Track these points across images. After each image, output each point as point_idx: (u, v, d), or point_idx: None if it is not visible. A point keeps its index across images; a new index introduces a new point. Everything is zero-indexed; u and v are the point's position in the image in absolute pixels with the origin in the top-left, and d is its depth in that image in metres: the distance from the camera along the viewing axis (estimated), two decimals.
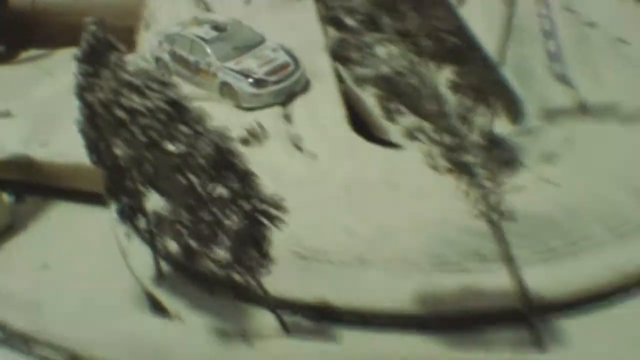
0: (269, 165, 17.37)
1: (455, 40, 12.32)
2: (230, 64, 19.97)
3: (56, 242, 18.98)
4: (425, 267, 15.02)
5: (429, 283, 14.78)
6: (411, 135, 12.56)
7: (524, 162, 16.33)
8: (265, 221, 13.32)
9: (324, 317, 14.72)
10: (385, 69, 11.85)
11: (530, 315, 14.02)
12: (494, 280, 14.35)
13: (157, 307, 15.84)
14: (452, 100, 12.45)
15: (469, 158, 12.30)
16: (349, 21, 12.29)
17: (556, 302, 14.56)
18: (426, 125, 12.31)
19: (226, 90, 19.86)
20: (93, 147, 14.14)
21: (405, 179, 16.38)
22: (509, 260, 13.54)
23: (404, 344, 14.19)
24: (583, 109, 17.76)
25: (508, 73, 18.49)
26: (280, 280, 14.75)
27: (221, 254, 13.29)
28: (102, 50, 12.41)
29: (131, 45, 21.06)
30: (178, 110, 12.28)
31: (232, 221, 13.10)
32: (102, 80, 11.98)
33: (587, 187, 16.22)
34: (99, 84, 12.04)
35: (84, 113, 13.53)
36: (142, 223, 15.19)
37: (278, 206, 13.37)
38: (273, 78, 19.82)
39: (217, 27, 20.84)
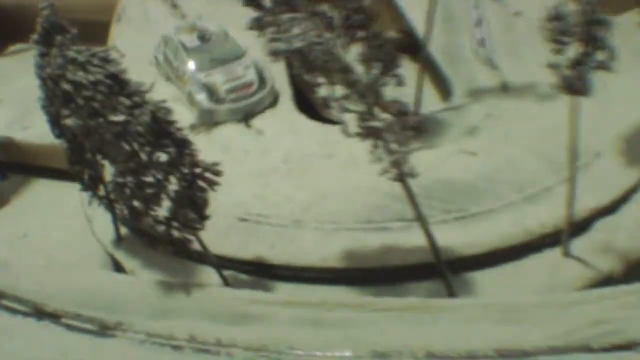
0: (220, 140, 19.29)
1: (362, 17, 14.02)
2: (201, 75, 20.53)
3: (35, 215, 21.03)
4: (352, 228, 16.78)
5: (355, 241, 16.55)
6: (326, 104, 14.34)
7: (444, 133, 18.18)
8: (202, 184, 15.09)
9: (261, 273, 16.52)
10: (297, 44, 13.58)
11: (442, 269, 15.71)
12: (413, 238, 16.10)
13: (118, 267, 17.66)
14: (361, 71, 14.17)
15: (377, 124, 14.04)
16: (267, 2, 14.05)
17: (469, 257, 16.30)
18: (339, 95, 14.07)
19: (191, 99, 20.50)
20: (53, 121, 15.98)
21: (340, 150, 18.11)
22: (420, 219, 15.24)
23: (330, 294, 15.94)
24: (505, 88, 19.49)
25: (439, 58, 20.39)
26: (224, 241, 16.67)
27: (162, 213, 15.08)
28: (53, 32, 14.21)
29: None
30: (118, 84, 14.06)
31: (172, 184, 14.92)
32: (51, 57, 13.77)
33: (503, 156, 17.99)
34: (48, 61, 13.84)
35: (42, 90, 15.37)
36: (101, 190, 17.03)
37: (214, 171, 15.13)
38: (231, 96, 20.29)
39: (202, 37, 21.36)
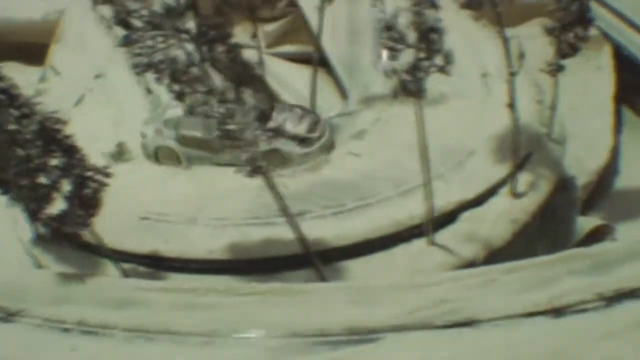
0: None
1: (219, 32, 15.73)
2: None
3: None
4: (239, 223, 18.46)
5: (240, 236, 18.24)
6: (192, 110, 16.07)
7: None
8: (92, 185, 16.91)
9: (157, 265, 18.27)
10: (158, 56, 15.37)
11: (312, 258, 17.31)
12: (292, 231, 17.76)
13: (37, 263, 19.53)
14: (220, 78, 15.88)
15: (233, 127, 15.74)
16: (136, 22, 15.82)
17: (342, 248, 17.92)
18: (201, 101, 15.80)
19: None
20: None
21: None
22: (285, 213, 16.88)
23: (215, 282, 17.63)
24: (395, 95, 21.03)
25: (341, 69, 22.13)
26: (126, 237, 18.49)
27: (55, 212, 16.90)
28: None
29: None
30: (8, 98, 15.95)
31: (64, 185, 16.74)
32: None
33: (384, 156, 19.61)
34: None
35: None
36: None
37: (104, 173, 16.95)
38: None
39: None
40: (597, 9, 23.58)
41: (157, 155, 20.69)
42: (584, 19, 18.93)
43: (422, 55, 15.65)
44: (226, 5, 19.18)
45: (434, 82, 21.01)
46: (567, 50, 18.97)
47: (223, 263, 17.93)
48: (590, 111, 22.14)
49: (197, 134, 20.08)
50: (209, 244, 18.14)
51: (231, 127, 15.70)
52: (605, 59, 22.89)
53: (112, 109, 21.80)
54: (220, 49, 15.94)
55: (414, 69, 15.68)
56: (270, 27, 24.26)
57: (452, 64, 15.99)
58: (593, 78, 22.77)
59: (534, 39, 21.24)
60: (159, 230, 18.62)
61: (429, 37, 15.61)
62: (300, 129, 20.17)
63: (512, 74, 18.06)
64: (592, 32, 23.12)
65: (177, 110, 19.45)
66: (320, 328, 15.63)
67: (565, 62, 21.59)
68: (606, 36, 23.15)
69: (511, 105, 18.16)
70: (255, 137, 15.76)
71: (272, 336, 15.72)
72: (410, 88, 15.76)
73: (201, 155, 20.34)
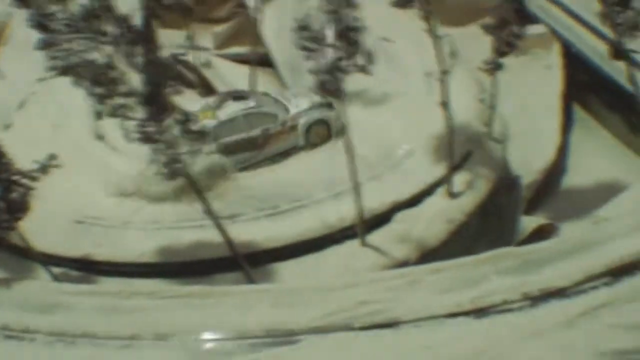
0: (69, 150, 20.92)
1: (136, 35, 15.67)
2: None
3: None
4: (172, 227, 18.36)
5: (171, 239, 18.15)
6: (113, 113, 16.00)
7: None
8: (19, 189, 16.86)
9: (88, 269, 18.18)
10: (74, 59, 15.32)
11: (239, 260, 17.19)
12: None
13: None
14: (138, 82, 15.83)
15: (151, 129, 15.66)
16: (53, 25, 15.77)
17: (272, 250, 17.82)
18: (121, 104, 15.73)
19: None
20: None
21: None
22: (211, 215, 16.77)
23: (146, 285, 17.52)
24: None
25: (284, 69, 22.05)
26: (59, 241, 18.39)
27: None
28: None
29: None
30: None
31: None
32: None
33: (320, 158, 19.58)
34: None
35: None
36: None
37: (30, 177, 16.89)
38: None
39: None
40: (547, 7, 23.54)
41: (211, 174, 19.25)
42: (520, 16, 18.84)
43: (341, 54, 15.60)
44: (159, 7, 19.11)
45: (376, 82, 21.11)
46: (504, 48, 18.84)
47: (153, 266, 17.83)
48: (539, 110, 21.97)
49: (239, 135, 20.18)
50: (141, 247, 18.03)
51: (149, 129, 15.67)
52: (554, 57, 22.69)
53: (53, 112, 21.71)
54: (139, 51, 15.95)
55: (333, 68, 15.59)
56: (219, 29, 24.20)
57: (373, 63, 15.91)
58: (542, 77, 22.60)
59: (478, 37, 21.08)
60: (92, 234, 18.52)
61: (348, 36, 15.54)
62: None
63: (445, 73, 17.93)
64: (541, 30, 23.16)
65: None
66: (240, 330, 15.46)
67: (516, 61, 21.61)
68: (556, 34, 22.96)
69: (445, 104, 18.02)
70: (175, 139, 15.71)
71: (192, 339, 15.57)
72: (328, 88, 15.64)
73: (246, 157, 20.31)
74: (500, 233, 19.69)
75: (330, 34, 15.18)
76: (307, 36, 15.20)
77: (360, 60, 15.70)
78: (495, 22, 18.59)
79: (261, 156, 20.37)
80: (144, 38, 15.68)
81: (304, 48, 15.27)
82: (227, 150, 19.93)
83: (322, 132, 20.56)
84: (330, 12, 15.15)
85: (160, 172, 15.66)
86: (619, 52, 19.89)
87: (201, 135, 16.11)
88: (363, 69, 15.80)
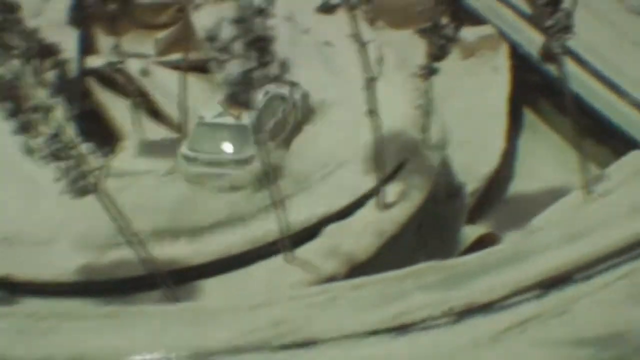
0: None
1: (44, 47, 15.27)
2: None
3: None
4: (98, 245, 17.81)
5: (96, 257, 17.61)
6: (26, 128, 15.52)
7: None
8: None
9: (8, 289, 17.67)
10: None
11: (159, 278, 16.67)
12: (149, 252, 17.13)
13: None
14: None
15: (58, 146, 15.17)
16: None
17: (196, 267, 17.29)
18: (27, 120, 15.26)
19: None
20: None
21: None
22: (124, 233, 16.25)
23: (66, 306, 17.03)
24: None
25: None
26: None
27: None
28: None
29: None
30: None
31: None
32: None
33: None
34: None
35: None
36: None
37: None
38: None
39: None
40: (495, 7, 22.98)
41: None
42: (457, 19, 18.31)
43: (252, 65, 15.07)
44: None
45: (315, 90, 20.59)
46: (437, 52, 18.27)
47: (76, 285, 17.34)
48: (485, 114, 21.39)
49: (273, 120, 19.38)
50: (64, 265, 17.51)
51: (56, 146, 15.20)
52: (501, 59, 22.09)
53: None
54: (46, 64, 15.51)
55: (244, 79, 15.06)
56: (161, 35, 23.67)
57: (288, 72, 15.39)
58: (489, 80, 22.03)
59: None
60: (15, 252, 18.03)
61: (259, 46, 15.00)
62: None
63: (372, 79, 17.36)
64: (489, 31, 22.59)
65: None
66: (153, 351, 14.98)
67: (462, 63, 21.08)
68: (503, 35, 22.37)
69: (372, 112, 17.45)
70: (82, 156, 15.24)
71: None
72: (239, 99, 15.11)
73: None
74: (441, 244, 19.14)
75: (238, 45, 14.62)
76: (216, 46, 14.67)
77: (274, 69, 15.18)
78: (428, 26, 18.07)
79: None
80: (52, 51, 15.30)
81: (213, 59, 14.76)
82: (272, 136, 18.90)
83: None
84: (238, 21, 14.60)
85: (69, 189, 15.18)
86: (548, 55, 19.30)
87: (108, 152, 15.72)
88: (277, 79, 15.29)
